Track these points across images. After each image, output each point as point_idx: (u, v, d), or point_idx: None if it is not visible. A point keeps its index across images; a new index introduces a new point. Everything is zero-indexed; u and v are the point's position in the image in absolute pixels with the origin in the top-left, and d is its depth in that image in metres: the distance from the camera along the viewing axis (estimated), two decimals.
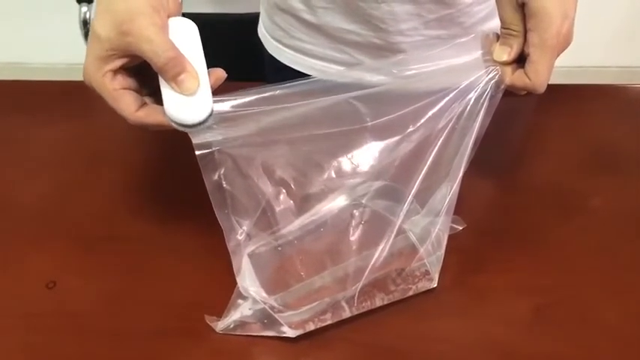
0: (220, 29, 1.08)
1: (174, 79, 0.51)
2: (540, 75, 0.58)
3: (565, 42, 0.57)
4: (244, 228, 0.57)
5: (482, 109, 0.59)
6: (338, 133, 0.57)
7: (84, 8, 1.33)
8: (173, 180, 0.69)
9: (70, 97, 0.87)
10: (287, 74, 0.89)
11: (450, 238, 0.62)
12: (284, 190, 0.58)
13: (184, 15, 0.56)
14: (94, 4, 0.58)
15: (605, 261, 0.64)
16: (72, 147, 0.74)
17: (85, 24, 1.34)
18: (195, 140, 0.52)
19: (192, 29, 0.55)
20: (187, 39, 0.54)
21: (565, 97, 0.85)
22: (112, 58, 0.52)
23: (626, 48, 2.08)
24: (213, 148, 0.53)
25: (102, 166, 0.76)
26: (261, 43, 0.95)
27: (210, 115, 0.52)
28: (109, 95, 0.52)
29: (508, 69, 0.58)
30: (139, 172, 0.75)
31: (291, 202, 0.58)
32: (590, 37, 1.71)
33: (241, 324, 0.57)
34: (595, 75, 1.95)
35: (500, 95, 0.59)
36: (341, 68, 0.82)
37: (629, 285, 0.62)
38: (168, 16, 0.54)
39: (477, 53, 0.59)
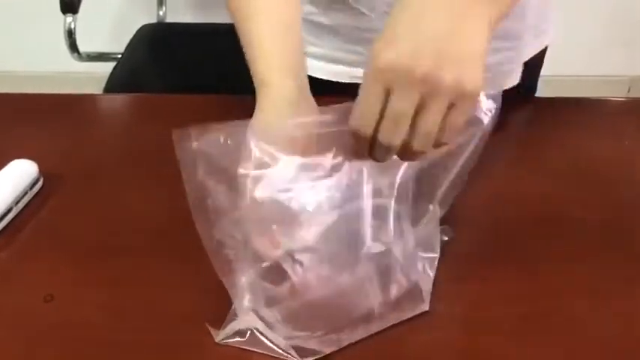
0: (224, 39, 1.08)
1: None
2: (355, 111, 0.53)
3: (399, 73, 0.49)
4: (245, 276, 0.58)
5: (468, 148, 0.60)
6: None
7: (69, 18, 1.33)
8: (170, 192, 0.69)
9: (60, 109, 0.88)
10: None
11: (441, 248, 0.63)
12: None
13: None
14: None
15: (589, 270, 0.66)
16: (66, 160, 0.74)
17: (70, 34, 1.34)
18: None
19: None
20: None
21: (549, 109, 0.87)
22: None
23: (606, 56, 2.11)
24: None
25: (98, 179, 0.77)
26: None
27: None
28: None
29: None
30: (136, 184, 0.76)
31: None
32: (572, 45, 1.74)
33: (240, 334, 0.57)
34: (576, 84, 1.97)
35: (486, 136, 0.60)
36: (349, 69, 0.81)
37: (613, 293, 0.63)
38: None
39: None
